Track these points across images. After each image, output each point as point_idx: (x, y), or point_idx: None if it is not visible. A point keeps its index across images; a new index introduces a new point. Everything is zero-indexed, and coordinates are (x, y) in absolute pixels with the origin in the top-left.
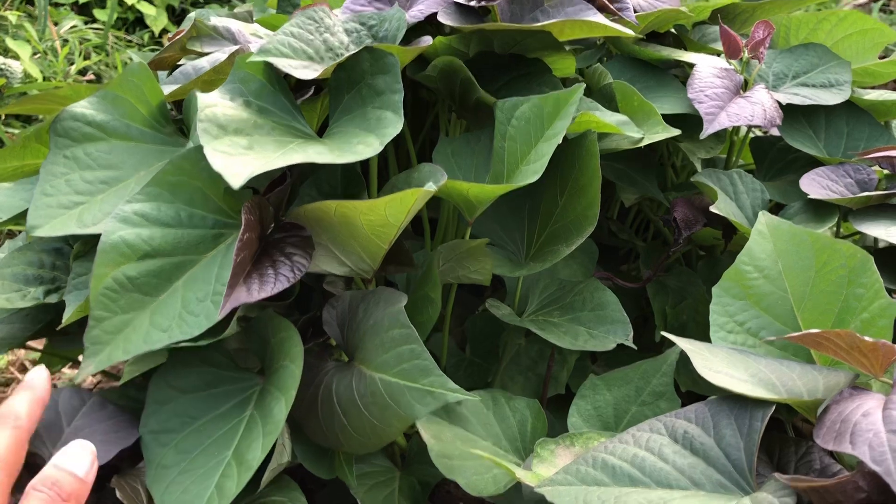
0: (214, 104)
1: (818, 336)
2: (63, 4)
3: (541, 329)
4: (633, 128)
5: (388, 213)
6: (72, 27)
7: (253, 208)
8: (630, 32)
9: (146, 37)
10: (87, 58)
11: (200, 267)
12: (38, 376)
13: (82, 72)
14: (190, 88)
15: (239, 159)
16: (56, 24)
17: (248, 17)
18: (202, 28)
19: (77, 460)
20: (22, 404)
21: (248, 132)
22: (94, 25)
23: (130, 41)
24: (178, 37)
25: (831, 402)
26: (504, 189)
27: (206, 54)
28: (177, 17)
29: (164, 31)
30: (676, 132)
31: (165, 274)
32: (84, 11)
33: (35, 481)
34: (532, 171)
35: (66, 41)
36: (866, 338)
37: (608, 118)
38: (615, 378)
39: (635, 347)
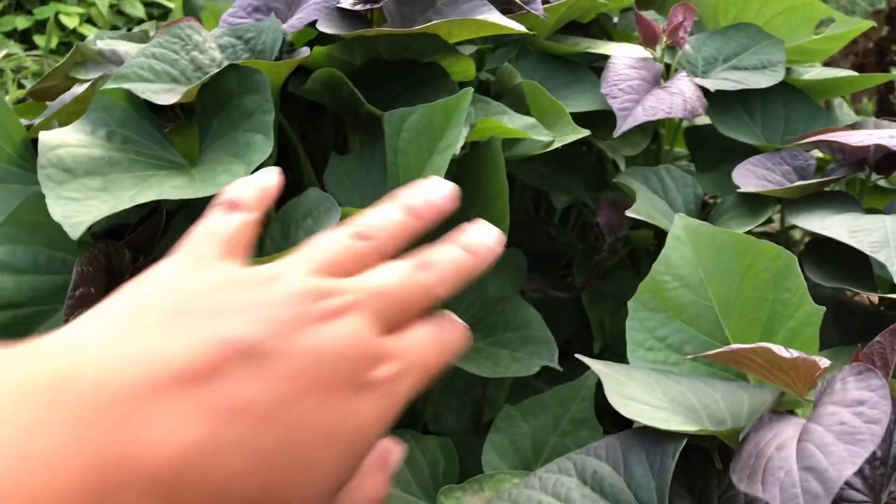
0: (60, 145)
1: (736, 353)
2: None
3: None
4: (542, 131)
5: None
6: (6, 55)
7: (94, 258)
8: (522, 28)
9: None
10: (21, 87)
11: (60, 317)
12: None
13: (19, 101)
14: (52, 120)
15: (85, 205)
16: None
17: (143, 38)
18: (87, 52)
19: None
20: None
21: (103, 171)
22: (35, 52)
23: None
24: (60, 64)
25: (750, 431)
26: None
27: (89, 81)
28: None
29: None
30: (586, 133)
31: (19, 328)
32: (24, 38)
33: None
34: None
35: (0, 71)
36: (784, 353)
37: (514, 122)
38: (532, 407)
39: (560, 369)
